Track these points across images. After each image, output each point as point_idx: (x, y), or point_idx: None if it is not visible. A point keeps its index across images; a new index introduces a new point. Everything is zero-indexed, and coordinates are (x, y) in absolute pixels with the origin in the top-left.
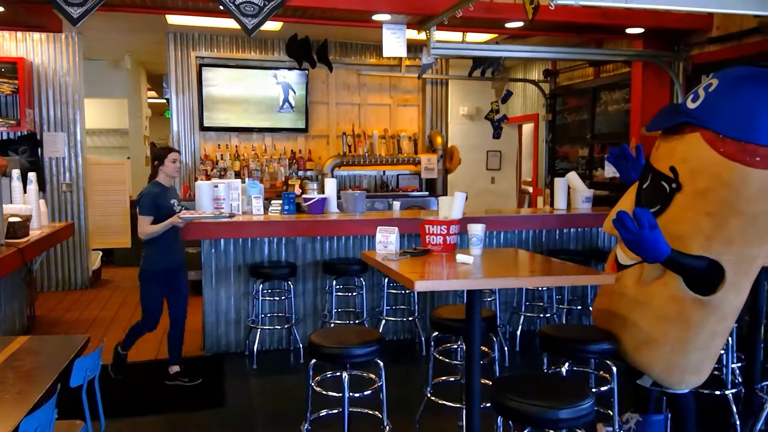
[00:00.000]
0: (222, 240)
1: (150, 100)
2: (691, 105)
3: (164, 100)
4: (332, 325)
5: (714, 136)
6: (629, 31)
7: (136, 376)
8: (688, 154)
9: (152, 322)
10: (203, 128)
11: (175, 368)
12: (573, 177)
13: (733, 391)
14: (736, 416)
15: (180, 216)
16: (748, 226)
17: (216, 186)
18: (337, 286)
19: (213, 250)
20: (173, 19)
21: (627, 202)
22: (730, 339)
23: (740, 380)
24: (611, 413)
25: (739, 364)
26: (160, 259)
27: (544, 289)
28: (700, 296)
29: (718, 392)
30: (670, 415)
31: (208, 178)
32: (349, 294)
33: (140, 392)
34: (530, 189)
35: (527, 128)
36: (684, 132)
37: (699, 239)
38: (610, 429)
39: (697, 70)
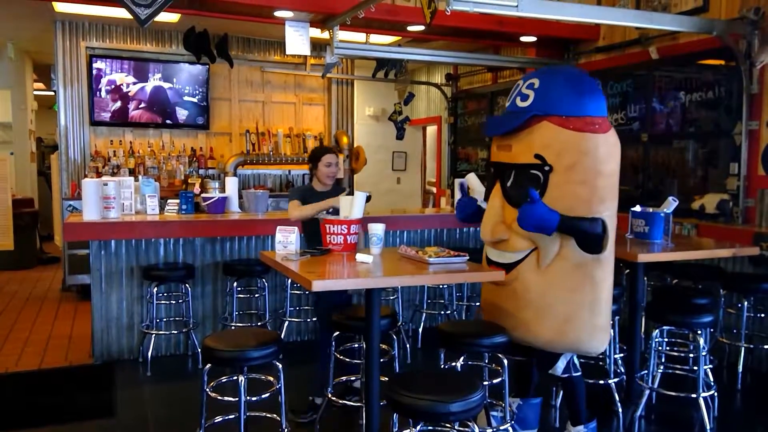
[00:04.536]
0: (112, 241)
1: (37, 92)
2: (523, 104)
3: (53, 92)
4: (233, 327)
5: (560, 119)
6: (523, 39)
7: (13, 388)
8: (547, 139)
9: None
10: (94, 122)
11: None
12: (472, 178)
13: (616, 380)
14: (619, 404)
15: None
16: (609, 183)
17: (105, 184)
18: (238, 288)
19: (102, 252)
20: (61, 6)
21: (496, 206)
22: (612, 331)
23: (622, 370)
24: (503, 404)
25: (621, 355)
26: None
27: (445, 287)
28: (596, 255)
29: (602, 381)
30: (542, 399)
31: (99, 175)
32: (251, 296)
33: (14, 405)
34: (434, 189)
35: (431, 130)
36: (531, 125)
37: (582, 206)
38: (496, 413)
39: None
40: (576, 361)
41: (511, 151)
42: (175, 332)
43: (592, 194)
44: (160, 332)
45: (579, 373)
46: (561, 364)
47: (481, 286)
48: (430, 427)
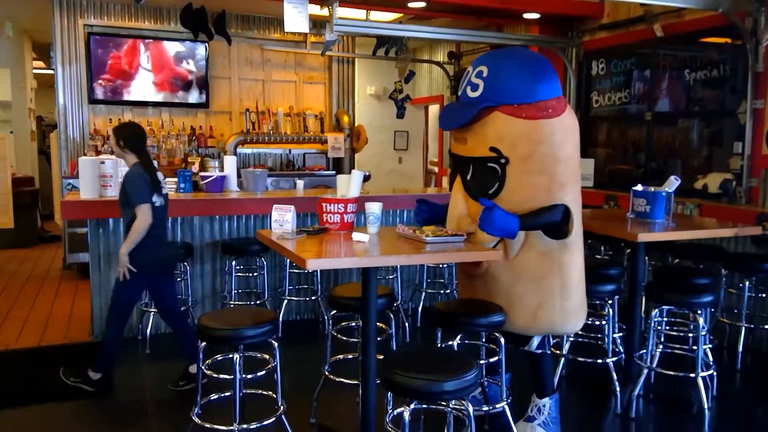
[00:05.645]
0: (110, 219)
1: (37, 71)
2: (473, 94)
3: (52, 71)
4: (231, 306)
5: (511, 109)
6: (526, 16)
7: (13, 365)
8: (500, 131)
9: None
10: (92, 101)
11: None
12: None
13: (614, 359)
14: (617, 383)
15: None
16: (568, 168)
17: (102, 162)
18: (237, 267)
19: (100, 230)
20: None
21: (459, 199)
22: (611, 310)
23: (621, 349)
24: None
25: (620, 334)
26: None
27: (445, 266)
28: (563, 240)
29: (600, 361)
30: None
31: (99, 154)
32: (250, 275)
33: (13, 383)
34: (436, 169)
35: (433, 109)
36: (483, 117)
37: (542, 195)
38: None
39: (588, 56)
40: (550, 339)
41: (467, 144)
42: None
43: (551, 182)
44: None
45: (549, 352)
46: (536, 342)
47: (458, 279)
48: (424, 406)
